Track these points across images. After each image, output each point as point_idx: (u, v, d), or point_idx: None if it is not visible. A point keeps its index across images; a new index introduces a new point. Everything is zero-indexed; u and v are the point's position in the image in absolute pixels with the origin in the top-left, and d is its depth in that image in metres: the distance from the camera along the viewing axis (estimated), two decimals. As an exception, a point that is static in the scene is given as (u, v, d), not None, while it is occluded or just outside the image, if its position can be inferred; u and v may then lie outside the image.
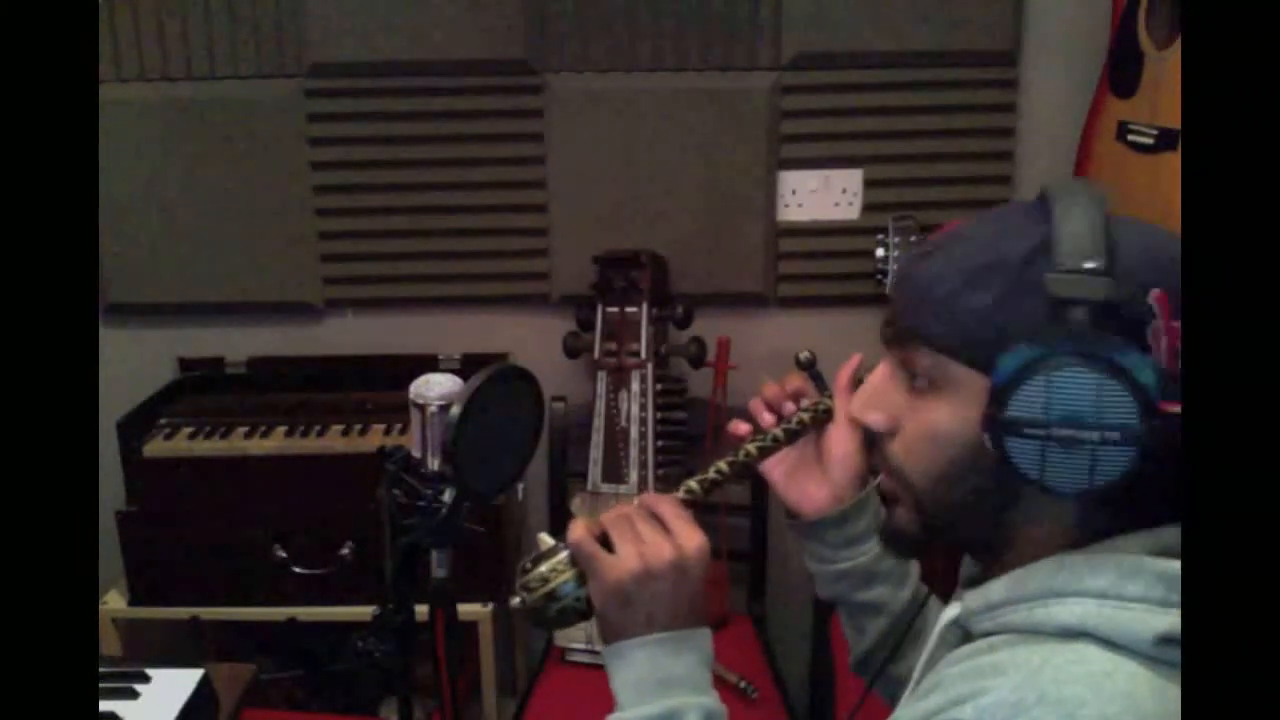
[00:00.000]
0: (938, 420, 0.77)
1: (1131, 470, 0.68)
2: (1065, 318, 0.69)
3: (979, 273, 0.73)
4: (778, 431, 0.95)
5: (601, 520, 0.87)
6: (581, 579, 0.86)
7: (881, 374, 0.83)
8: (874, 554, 0.97)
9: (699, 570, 0.85)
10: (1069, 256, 0.70)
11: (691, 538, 0.85)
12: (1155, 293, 0.69)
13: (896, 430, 0.81)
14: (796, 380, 0.99)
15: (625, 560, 0.84)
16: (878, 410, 0.82)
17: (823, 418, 0.96)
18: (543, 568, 0.88)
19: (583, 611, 0.87)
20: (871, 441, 0.85)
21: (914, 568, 1.02)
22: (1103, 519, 0.73)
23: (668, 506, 0.88)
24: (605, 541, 0.86)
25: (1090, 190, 0.73)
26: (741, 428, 0.98)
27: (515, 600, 0.88)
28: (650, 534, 0.85)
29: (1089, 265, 0.69)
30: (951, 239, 0.77)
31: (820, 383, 0.99)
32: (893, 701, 0.97)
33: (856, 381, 0.94)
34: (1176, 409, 0.67)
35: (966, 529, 0.80)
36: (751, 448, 0.95)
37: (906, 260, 0.80)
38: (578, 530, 0.87)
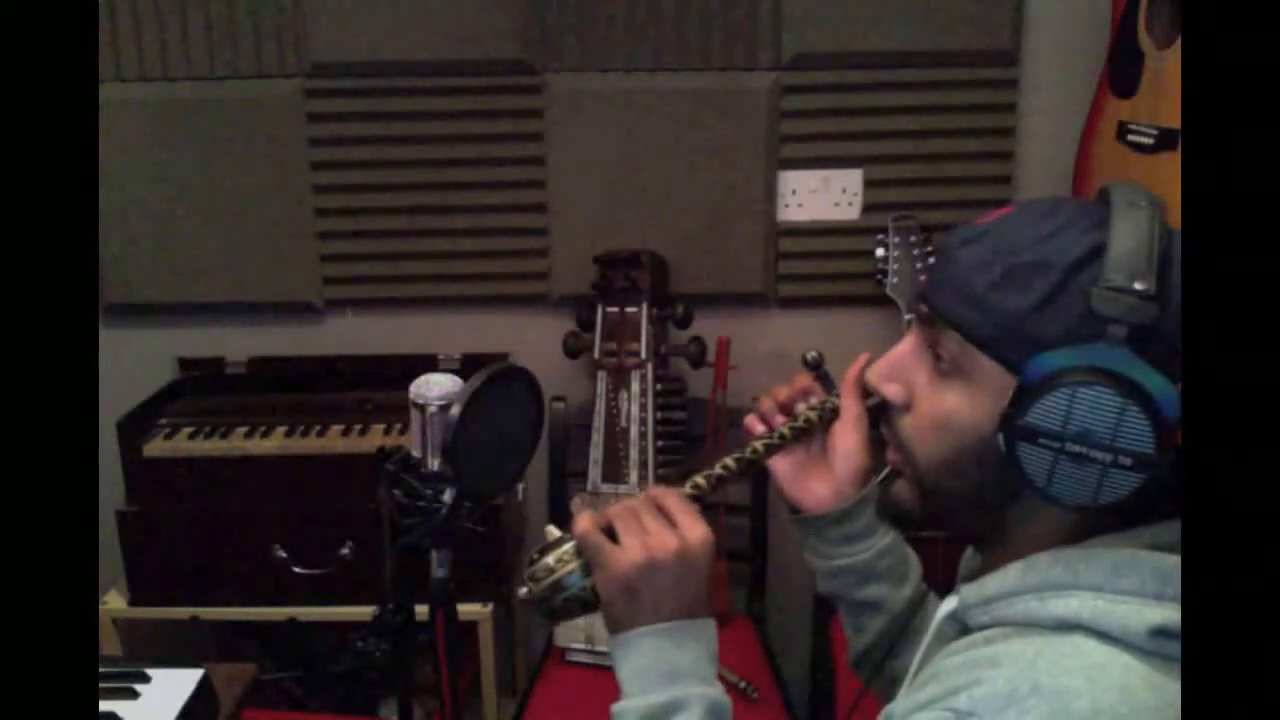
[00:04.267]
0: (953, 407, 0.77)
1: (1138, 492, 0.69)
2: (1103, 333, 0.68)
3: (1023, 270, 0.72)
4: (784, 430, 0.96)
5: (607, 513, 0.88)
6: (587, 570, 0.87)
7: (906, 347, 0.83)
8: (873, 552, 0.98)
9: (703, 562, 0.85)
10: (1119, 273, 0.69)
11: (695, 529, 0.85)
12: None
13: (911, 406, 0.81)
14: (804, 379, 0.99)
15: (630, 551, 0.84)
16: (896, 383, 0.83)
17: (829, 416, 0.96)
18: (549, 558, 0.88)
19: (588, 602, 0.88)
20: (883, 412, 0.86)
21: (915, 568, 1.02)
22: (1099, 517, 0.74)
23: (673, 500, 0.88)
24: (611, 533, 0.86)
25: (1151, 201, 0.72)
26: (758, 426, 0.98)
27: (522, 590, 0.89)
28: (655, 525, 0.85)
29: (1138, 286, 0.68)
30: (1001, 225, 0.76)
31: (827, 382, 1.00)
32: (890, 699, 0.98)
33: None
34: None
35: (963, 517, 0.81)
36: (758, 445, 0.95)
37: (951, 239, 0.78)
38: (583, 521, 0.87)
